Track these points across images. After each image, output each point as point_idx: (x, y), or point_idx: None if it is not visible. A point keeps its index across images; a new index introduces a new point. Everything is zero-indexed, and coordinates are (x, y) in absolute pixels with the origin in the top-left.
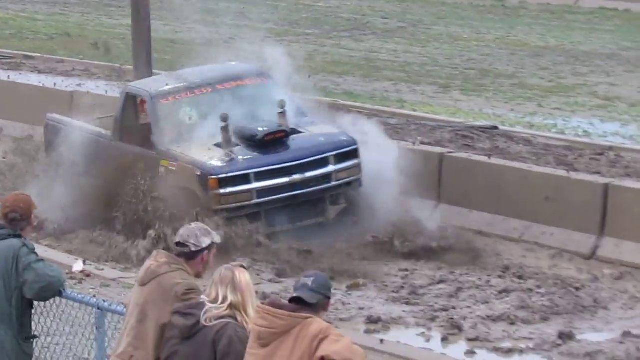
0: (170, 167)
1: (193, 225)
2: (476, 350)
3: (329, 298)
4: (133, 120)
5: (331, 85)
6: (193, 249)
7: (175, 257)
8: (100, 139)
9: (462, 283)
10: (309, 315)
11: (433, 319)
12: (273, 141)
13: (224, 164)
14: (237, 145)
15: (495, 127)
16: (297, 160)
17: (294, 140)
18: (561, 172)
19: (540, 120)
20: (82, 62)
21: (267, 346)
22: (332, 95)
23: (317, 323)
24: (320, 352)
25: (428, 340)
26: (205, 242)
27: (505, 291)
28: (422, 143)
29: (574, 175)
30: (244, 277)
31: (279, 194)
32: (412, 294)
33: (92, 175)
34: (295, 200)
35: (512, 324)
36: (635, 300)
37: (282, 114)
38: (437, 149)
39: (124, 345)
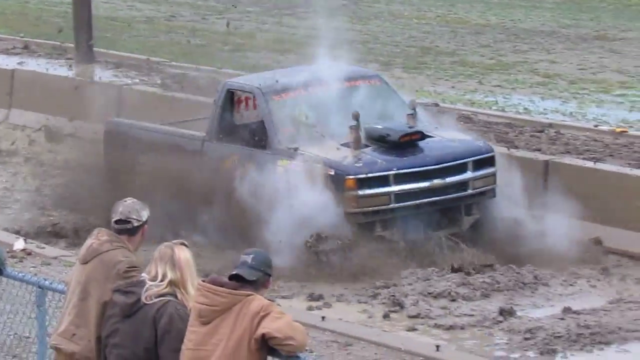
0: (292, 167)
1: (128, 200)
2: (417, 327)
3: (269, 275)
4: (233, 119)
5: (272, 63)
6: (135, 224)
7: (117, 235)
8: (190, 140)
9: None
10: (250, 292)
11: (375, 296)
12: (408, 143)
13: (362, 164)
14: (367, 146)
15: (437, 104)
16: (438, 164)
17: (428, 144)
18: (502, 149)
19: (480, 98)
20: (22, 40)
21: (208, 324)
22: None
23: (258, 300)
24: (262, 330)
25: (370, 317)
26: (145, 215)
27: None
28: None
29: (514, 152)
30: (183, 254)
31: (418, 199)
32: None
33: (183, 180)
34: (433, 207)
35: (453, 300)
36: (575, 277)
37: (412, 115)
38: None
39: (65, 323)
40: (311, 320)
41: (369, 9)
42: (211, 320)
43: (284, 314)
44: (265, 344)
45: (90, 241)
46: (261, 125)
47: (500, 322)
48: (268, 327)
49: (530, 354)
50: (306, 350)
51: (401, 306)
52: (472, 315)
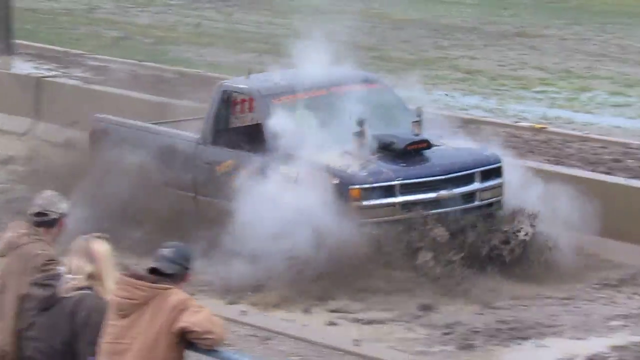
0: (293, 175)
1: (47, 192)
2: (337, 322)
3: (188, 269)
4: (228, 122)
5: (194, 57)
6: (53, 216)
7: (35, 228)
8: (184, 142)
9: None
10: (169, 286)
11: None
12: (414, 152)
13: (367, 173)
14: (373, 154)
15: None
16: (445, 174)
17: (434, 153)
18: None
19: (401, 94)
20: None
21: (127, 317)
22: (196, 66)
23: (176, 294)
24: (180, 324)
25: (290, 312)
26: (63, 207)
27: None
28: None
29: None
30: (100, 247)
31: (424, 210)
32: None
33: (173, 185)
34: (439, 219)
35: (374, 295)
36: None
37: (418, 122)
38: None
39: None
40: (230, 314)
41: (290, 3)
42: (130, 314)
43: (203, 307)
44: (184, 338)
45: (8, 234)
46: (259, 129)
47: (420, 317)
48: (187, 320)
49: (449, 348)
50: (225, 344)
51: (321, 300)
52: (392, 310)
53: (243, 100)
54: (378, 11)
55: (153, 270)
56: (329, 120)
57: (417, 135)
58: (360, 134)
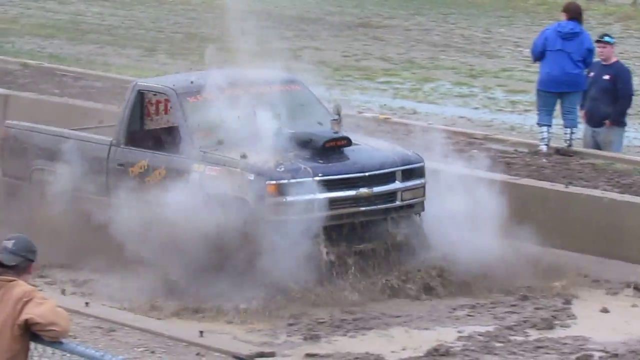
0: (208, 173)
1: None
2: (181, 313)
3: (31, 260)
4: (143, 122)
5: (37, 48)
6: None
7: None
8: (96, 144)
9: None
10: (12, 278)
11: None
12: (333, 149)
13: (284, 169)
14: (289, 151)
15: None
16: (365, 172)
17: (354, 151)
18: None
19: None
20: None
21: None
22: (38, 57)
23: (20, 286)
24: (24, 315)
25: (134, 304)
26: None
27: None
28: None
29: None
30: None
31: (342, 209)
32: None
33: (88, 189)
34: (357, 218)
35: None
36: None
37: (337, 120)
38: None
39: None
40: (74, 306)
41: None
42: None
43: (47, 299)
44: (29, 330)
45: None
46: (174, 129)
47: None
48: (31, 312)
49: (294, 339)
50: (69, 336)
51: (172, 292)
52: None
53: (158, 101)
54: (222, 2)
55: None
56: (245, 119)
57: (336, 132)
58: (277, 132)
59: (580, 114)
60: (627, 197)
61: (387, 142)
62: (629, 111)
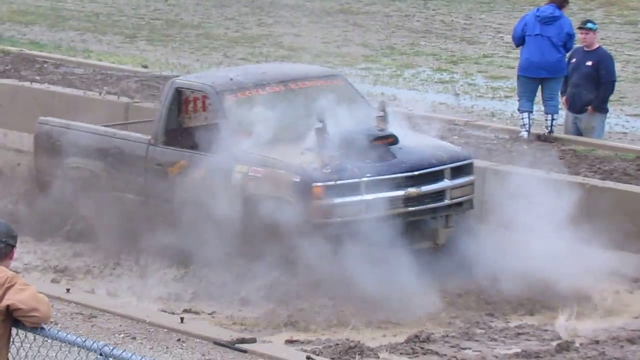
0: (252, 174)
1: None
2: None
3: (12, 246)
4: (180, 120)
5: (17, 35)
6: None
7: None
8: (133, 143)
9: None
10: None
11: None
12: (380, 147)
13: (330, 170)
14: (335, 150)
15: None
16: (413, 171)
17: (401, 149)
18: None
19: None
20: None
21: None
22: (19, 44)
23: (2, 272)
24: (6, 301)
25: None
26: None
27: None
28: (108, 93)
29: None
30: None
31: (392, 209)
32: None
33: (123, 189)
34: (408, 218)
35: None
36: None
37: (383, 117)
38: (123, 99)
39: None
40: (55, 292)
41: None
42: None
43: (29, 285)
44: (10, 316)
45: None
46: (213, 127)
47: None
48: (12, 298)
49: (276, 326)
50: (51, 322)
51: (143, 277)
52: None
53: (196, 98)
54: None
55: None
56: (287, 117)
57: (382, 130)
58: (321, 130)
59: (561, 100)
60: (609, 184)
61: (433, 138)
62: (611, 97)
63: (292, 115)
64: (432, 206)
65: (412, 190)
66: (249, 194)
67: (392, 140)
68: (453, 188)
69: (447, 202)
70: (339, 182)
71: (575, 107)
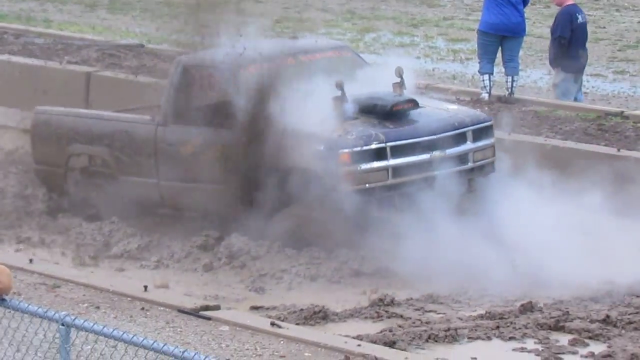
0: (273, 145)
1: None
2: (126, 267)
3: None
4: (192, 99)
5: None
6: None
7: None
8: (141, 125)
9: None
10: None
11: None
12: (401, 113)
13: (354, 136)
14: (355, 117)
15: (142, 45)
16: (437, 134)
17: (421, 114)
18: None
19: (187, 38)
20: None
21: None
22: None
23: None
24: None
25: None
26: None
27: None
28: (69, 62)
29: None
30: None
31: (417, 174)
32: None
33: (132, 172)
34: (433, 183)
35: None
36: None
37: (400, 83)
38: (84, 68)
39: None
40: (18, 263)
41: None
42: None
43: None
44: None
45: None
46: (225, 104)
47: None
48: None
49: (239, 292)
50: (13, 292)
51: (108, 248)
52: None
53: (204, 76)
54: None
55: None
56: (302, 88)
57: (400, 95)
58: (340, 98)
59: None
60: (570, 144)
61: (452, 102)
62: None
63: (307, 87)
64: (457, 169)
65: (437, 153)
66: (273, 166)
67: (412, 105)
68: (476, 151)
69: (470, 165)
70: (365, 147)
71: (550, 64)
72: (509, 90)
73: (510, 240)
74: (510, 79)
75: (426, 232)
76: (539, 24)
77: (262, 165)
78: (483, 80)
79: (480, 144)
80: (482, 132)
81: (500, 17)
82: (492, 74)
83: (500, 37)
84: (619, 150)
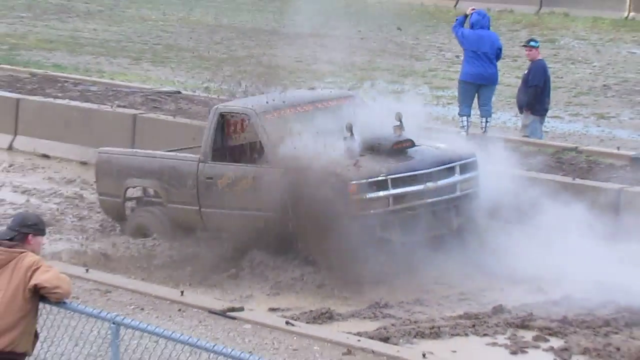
0: (292, 177)
1: None
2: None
3: (25, 233)
4: (224, 140)
5: (42, 59)
6: None
7: None
8: (184, 162)
9: None
10: (23, 250)
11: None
12: (400, 150)
13: (361, 170)
14: (362, 154)
15: (179, 92)
16: (430, 168)
17: (417, 151)
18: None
19: (216, 86)
20: None
21: None
22: (44, 67)
23: (30, 257)
24: (33, 281)
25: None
26: None
27: None
28: (119, 106)
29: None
30: None
31: (413, 202)
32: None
33: (178, 200)
34: (427, 209)
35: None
36: None
37: (399, 126)
38: (131, 111)
39: None
40: (75, 272)
41: (122, 13)
42: None
43: (52, 267)
44: (37, 293)
45: None
46: (254, 144)
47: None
48: (38, 278)
49: (260, 296)
50: (72, 297)
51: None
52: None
53: (236, 122)
54: (195, 18)
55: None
56: (318, 130)
57: (399, 136)
58: (349, 138)
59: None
60: (533, 174)
61: (443, 141)
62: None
63: (322, 128)
64: (446, 197)
65: (430, 184)
66: (291, 196)
67: (410, 144)
68: (462, 182)
69: (458, 193)
70: (370, 179)
71: (519, 108)
72: (483, 129)
73: (488, 249)
74: (484, 120)
75: (420, 248)
76: (507, 74)
77: (285, 195)
78: (462, 121)
79: (466, 176)
80: (467, 166)
81: (478, 68)
82: (470, 115)
83: (477, 85)
84: (574, 179)
